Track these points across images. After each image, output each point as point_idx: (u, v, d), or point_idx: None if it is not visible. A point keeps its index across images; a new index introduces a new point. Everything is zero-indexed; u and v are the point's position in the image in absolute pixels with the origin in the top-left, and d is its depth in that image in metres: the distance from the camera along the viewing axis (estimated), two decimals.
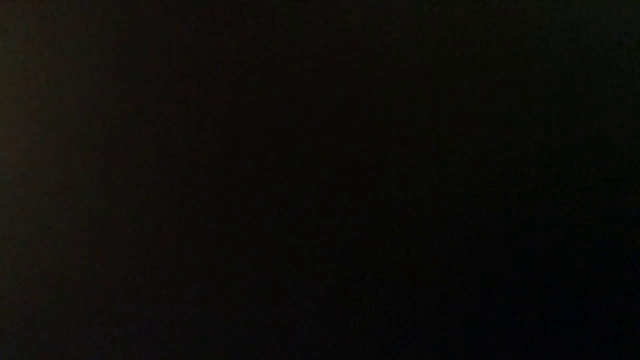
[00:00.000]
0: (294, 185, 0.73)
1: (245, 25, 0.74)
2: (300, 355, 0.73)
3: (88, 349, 0.73)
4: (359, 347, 0.73)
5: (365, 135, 0.73)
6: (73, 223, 0.73)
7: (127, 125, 0.73)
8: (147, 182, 0.73)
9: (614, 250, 0.72)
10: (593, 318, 0.72)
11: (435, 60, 0.73)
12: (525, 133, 0.73)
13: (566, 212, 0.73)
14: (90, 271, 0.73)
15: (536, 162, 0.73)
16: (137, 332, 0.73)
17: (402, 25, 0.74)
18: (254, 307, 0.73)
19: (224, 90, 0.73)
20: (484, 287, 0.73)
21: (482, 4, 0.74)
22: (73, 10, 0.74)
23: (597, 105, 0.73)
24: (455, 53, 0.73)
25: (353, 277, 0.73)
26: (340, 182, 0.73)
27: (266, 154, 0.73)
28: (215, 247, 0.73)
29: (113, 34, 0.74)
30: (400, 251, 0.73)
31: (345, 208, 0.73)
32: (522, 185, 0.73)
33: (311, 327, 0.73)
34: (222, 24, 0.74)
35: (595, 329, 0.72)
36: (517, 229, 0.73)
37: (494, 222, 0.73)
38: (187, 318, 0.73)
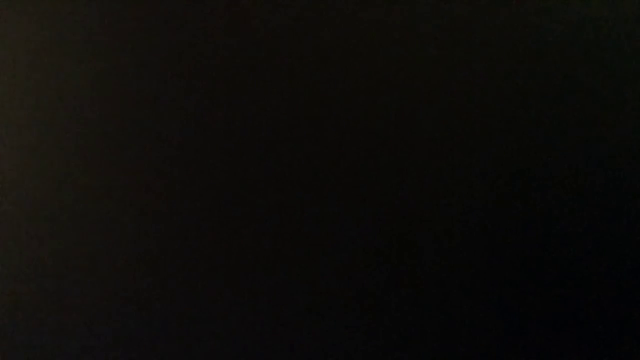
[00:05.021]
0: (294, 186, 0.73)
1: (245, 25, 0.74)
2: (301, 355, 0.73)
3: (88, 349, 0.73)
4: (359, 347, 0.73)
5: (365, 135, 0.73)
6: (73, 223, 0.73)
7: (127, 126, 0.73)
8: (147, 182, 0.73)
9: (614, 250, 0.72)
10: (593, 318, 0.72)
11: (435, 60, 0.73)
12: (526, 133, 0.73)
13: (566, 212, 0.73)
14: (90, 271, 0.73)
15: (536, 162, 0.73)
16: (137, 332, 0.73)
17: (401, 25, 0.74)
18: (254, 307, 0.73)
19: (224, 90, 0.73)
20: (485, 288, 0.73)
21: (482, 4, 0.74)
22: (73, 10, 0.74)
23: (597, 105, 0.73)
24: (456, 53, 0.73)
25: (353, 278, 0.73)
26: (341, 182, 0.73)
27: (266, 154, 0.73)
28: (216, 247, 0.73)
29: (113, 34, 0.74)
30: (401, 251, 0.73)
31: (346, 208, 0.73)
32: (522, 185, 0.73)
33: (311, 327, 0.73)
34: (222, 24, 0.74)
35: (595, 329, 0.72)
36: (518, 229, 0.72)
37: (494, 222, 0.73)
38: (187, 318, 0.73)
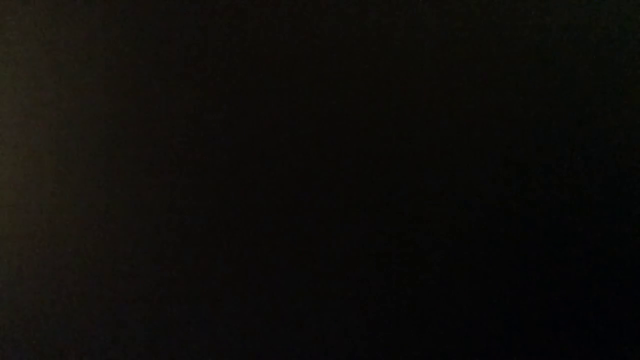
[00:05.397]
0: (295, 186, 0.73)
1: (246, 25, 0.74)
2: (301, 355, 0.73)
3: (88, 349, 0.73)
4: (359, 347, 0.73)
5: (365, 135, 0.73)
6: (73, 223, 0.73)
7: (127, 126, 0.73)
8: (147, 182, 0.73)
9: (614, 250, 0.72)
10: (593, 318, 0.72)
11: (435, 61, 0.73)
12: (526, 134, 0.73)
13: (566, 212, 0.73)
14: (90, 271, 0.73)
15: (537, 163, 0.73)
16: (137, 332, 0.73)
17: (402, 25, 0.74)
18: (254, 307, 0.73)
19: (224, 91, 0.73)
20: (485, 288, 0.73)
21: (483, 4, 0.74)
22: (73, 10, 0.74)
23: (598, 105, 0.73)
24: (456, 53, 0.73)
25: (353, 278, 0.73)
26: (341, 182, 0.73)
27: (267, 155, 0.73)
28: (216, 248, 0.73)
29: (113, 34, 0.74)
30: (400, 252, 0.73)
31: (345, 208, 0.73)
32: (522, 186, 0.73)
33: (312, 327, 0.73)
34: (222, 24, 0.74)
35: (595, 329, 0.72)
36: (518, 229, 0.72)
37: (495, 222, 0.73)
38: (188, 318, 0.73)
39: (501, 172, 0.73)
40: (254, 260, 0.73)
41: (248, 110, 0.73)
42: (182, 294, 0.73)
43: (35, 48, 0.74)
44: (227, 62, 0.73)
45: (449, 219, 0.73)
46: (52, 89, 0.73)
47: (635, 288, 0.72)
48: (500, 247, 0.73)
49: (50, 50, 0.74)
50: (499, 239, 0.73)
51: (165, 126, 0.73)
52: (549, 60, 0.73)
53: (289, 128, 0.73)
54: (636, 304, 0.72)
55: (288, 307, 0.73)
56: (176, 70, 0.73)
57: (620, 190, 0.72)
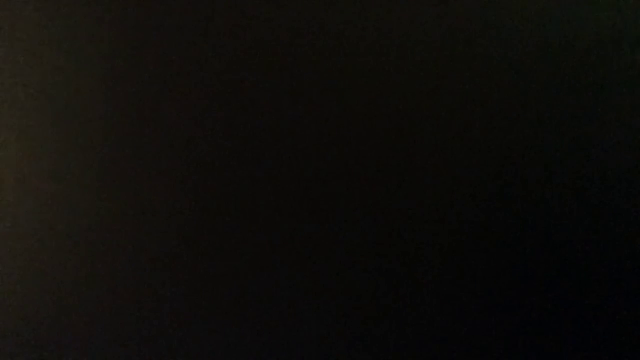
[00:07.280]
0: (294, 186, 0.73)
1: (245, 25, 0.74)
2: (300, 355, 0.73)
3: (88, 349, 0.73)
4: (358, 347, 0.73)
5: (365, 135, 0.73)
6: (74, 223, 0.73)
7: (127, 126, 0.73)
8: (147, 182, 0.73)
9: (614, 250, 0.72)
10: (593, 318, 0.72)
11: (435, 61, 0.74)
12: (526, 134, 0.73)
13: (566, 212, 0.73)
14: (90, 271, 0.73)
15: (536, 163, 0.73)
16: (137, 332, 0.73)
17: (402, 26, 0.74)
18: (254, 308, 0.73)
19: (224, 90, 0.73)
20: (484, 288, 0.73)
21: (483, 4, 0.74)
22: (74, 10, 0.74)
23: (598, 105, 0.73)
24: (456, 53, 0.74)
25: (353, 278, 0.73)
26: (340, 182, 0.73)
27: (267, 155, 0.73)
28: (216, 248, 0.73)
29: (114, 34, 0.74)
30: (400, 252, 0.73)
31: (345, 208, 0.73)
32: (522, 186, 0.73)
33: (311, 328, 0.73)
34: (222, 24, 0.74)
35: (595, 329, 0.72)
36: (517, 229, 0.73)
37: (494, 222, 0.73)
38: (187, 318, 0.73)
39: (501, 172, 0.73)
40: (254, 260, 0.73)
41: (249, 110, 0.73)
42: (182, 294, 0.73)
43: (35, 48, 0.74)
44: (228, 62, 0.73)
45: (448, 219, 0.73)
46: (52, 89, 0.73)
47: (636, 288, 0.72)
48: (500, 247, 0.73)
49: (50, 50, 0.74)
50: (498, 238, 0.73)
51: (166, 126, 0.73)
52: (548, 60, 0.73)
53: (289, 128, 0.73)
54: (636, 304, 0.72)
55: (287, 307, 0.73)
56: (177, 70, 0.73)
57: (620, 190, 0.73)
